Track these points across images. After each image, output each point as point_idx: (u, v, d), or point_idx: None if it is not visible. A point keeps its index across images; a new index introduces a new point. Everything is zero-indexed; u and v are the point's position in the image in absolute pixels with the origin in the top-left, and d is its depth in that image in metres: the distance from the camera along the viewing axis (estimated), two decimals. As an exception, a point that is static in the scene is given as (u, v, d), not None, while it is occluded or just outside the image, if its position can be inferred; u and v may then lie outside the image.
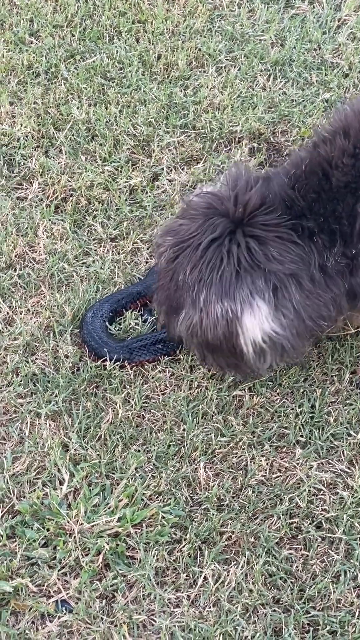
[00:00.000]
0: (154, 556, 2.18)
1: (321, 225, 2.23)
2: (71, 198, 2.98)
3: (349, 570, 2.19)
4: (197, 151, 3.15)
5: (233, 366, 2.39)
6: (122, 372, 2.52)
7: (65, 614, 2.09)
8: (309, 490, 2.32)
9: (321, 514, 2.29)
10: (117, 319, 2.67)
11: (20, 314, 2.66)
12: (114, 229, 2.91)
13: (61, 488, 2.29)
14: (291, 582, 2.17)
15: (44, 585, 2.14)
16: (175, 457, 2.38)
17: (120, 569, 2.17)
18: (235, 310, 2.19)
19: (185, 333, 2.32)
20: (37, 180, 3.03)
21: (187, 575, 2.17)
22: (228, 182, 2.31)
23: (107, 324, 2.60)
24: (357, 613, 2.12)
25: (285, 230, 2.21)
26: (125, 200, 2.99)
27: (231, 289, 2.19)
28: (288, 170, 2.31)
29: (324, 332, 2.46)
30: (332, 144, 2.27)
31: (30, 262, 2.81)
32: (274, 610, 2.13)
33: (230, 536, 2.24)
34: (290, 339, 2.27)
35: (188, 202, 2.38)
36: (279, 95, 3.36)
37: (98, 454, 2.36)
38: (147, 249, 2.87)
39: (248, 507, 2.29)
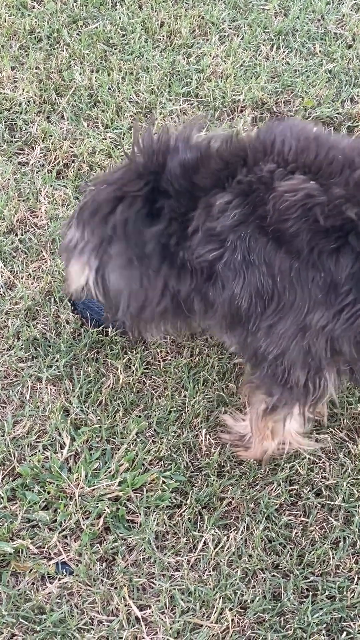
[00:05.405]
0: (154, 520, 2.19)
1: None
2: (73, 164, 2.96)
3: (348, 537, 2.20)
4: (200, 119, 3.13)
5: None
6: (124, 338, 2.51)
7: (65, 575, 2.10)
8: (309, 458, 2.33)
9: (321, 482, 2.30)
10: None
11: (22, 278, 2.65)
12: (116, 196, 2.89)
13: (62, 452, 2.29)
14: (290, 548, 2.18)
15: (44, 547, 2.15)
16: (176, 423, 2.38)
17: (120, 533, 2.17)
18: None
19: None
20: (39, 145, 3.01)
21: (187, 540, 2.18)
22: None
23: None
24: (355, 579, 2.13)
25: None
26: (127, 167, 2.97)
27: None
28: None
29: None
30: None
31: (32, 227, 2.79)
32: (273, 575, 2.14)
33: (231, 502, 2.25)
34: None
35: None
36: (282, 65, 3.34)
37: (99, 419, 2.36)
38: (149, 216, 2.85)
39: (248, 473, 2.29)
